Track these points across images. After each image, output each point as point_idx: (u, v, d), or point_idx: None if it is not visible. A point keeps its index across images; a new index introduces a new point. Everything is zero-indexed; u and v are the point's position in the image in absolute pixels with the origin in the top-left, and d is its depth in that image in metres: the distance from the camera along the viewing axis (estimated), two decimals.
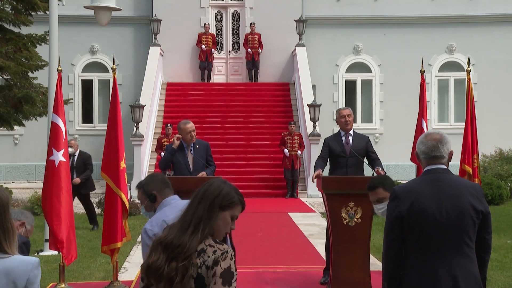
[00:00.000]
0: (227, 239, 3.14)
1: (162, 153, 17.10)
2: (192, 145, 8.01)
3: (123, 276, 8.51)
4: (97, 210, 14.46)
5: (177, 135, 7.99)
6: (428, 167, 3.94)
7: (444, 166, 3.94)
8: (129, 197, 10.98)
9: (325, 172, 7.99)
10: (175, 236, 2.93)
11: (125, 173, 7.77)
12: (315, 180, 7.64)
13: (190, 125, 7.99)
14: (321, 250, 9.66)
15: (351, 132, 8.06)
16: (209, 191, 3.00)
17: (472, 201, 3.81)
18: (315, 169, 7.76)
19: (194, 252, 2.88)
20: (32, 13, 15.24)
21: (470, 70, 8.03)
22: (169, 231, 2.99)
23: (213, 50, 21.73)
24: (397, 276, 3.85)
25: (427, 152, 3.95)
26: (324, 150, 8.04)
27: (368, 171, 8.17)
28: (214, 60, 22.06)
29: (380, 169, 7.72)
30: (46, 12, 13.97)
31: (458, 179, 3.97)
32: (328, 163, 8.10)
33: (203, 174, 7.82)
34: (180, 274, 2.86)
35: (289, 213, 14.52)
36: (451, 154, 3.96)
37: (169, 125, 17.47)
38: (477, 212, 3.81)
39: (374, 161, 7.92)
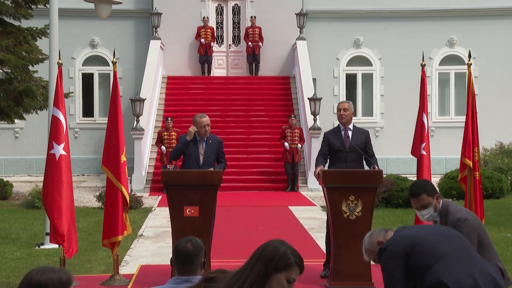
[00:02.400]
0: None
1: (163, 147, 17.13)
2: (205, 140, 7.95)
3: (123, 270, 8.52)
4: (98, 204, 14.50)
5: (193, 127, 7.90)
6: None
7: None
8: (129, 191, 10.99)
9: (325, 167, 7.99)
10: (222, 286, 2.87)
11: (126, 167, 7.77)
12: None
13: (206, 119, 7.88)
14: (322, 244, 9.67)
15: (350, 126, 8.05)
16: (265, 252, 2.91)
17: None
18: (316, 166, 7.77)
19: None
20: (32, 6, 15.22)
21: (471, 64, 8.02)
22: (220, 278, 2.94)
23: (212, 43, 21.70)
24: None
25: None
26: (323, 146, 8.03)
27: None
28: (214, 54, 22.03)
29: (376, 166, 7.74)
30: (46, 5, 13.95)
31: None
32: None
33: (210, 169, 7.76)
34: None
35: (289, 207, 14.54)
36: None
37: (169, 118, 17.46)
38: None
39: (370, 158, 7.92)
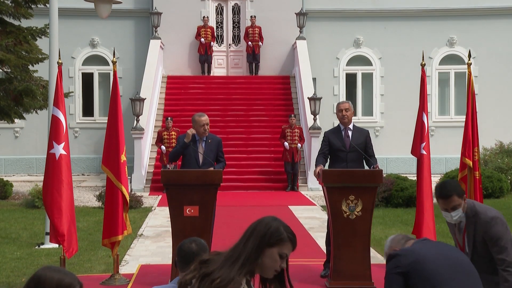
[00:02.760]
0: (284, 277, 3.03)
1: (163, 147, 17.13)
2: (205, 139, 7.92)
3: (123, 269, 8.53)
4: (98, 203, 14.50)
5: (191, 129, 7.89)
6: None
7: None
8: (129, 190, 10.99)
9: (325, 167, 7.99)
10: (217, 268, 2.87)
11: (126, 166, 7.77)
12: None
13: (205, 118, 7.86)
14: (322, 243, 9.67)
15: (350, 126, 8.06)
16: (258, 228, 2.94)
17: None
18: (316, 166, 7.77)
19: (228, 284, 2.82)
20: (32, 6, 15.22)
21: (471, 63, 8.02)
22: (214, 259, 2.93)
23: (212, 43, 21.70)
24: None
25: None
26: (324, 145, 8.04)
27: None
28: (214, 53, 22.03)
29: (377, 166, 7.75)
30: (46, 5, 13.95)
31: None
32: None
33: (210, 169, 7.75)
34: None
35: (289, 206, 14.54)
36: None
37: (169, 118, 17.46)
38: None
39: (370, 158, 7.93)
